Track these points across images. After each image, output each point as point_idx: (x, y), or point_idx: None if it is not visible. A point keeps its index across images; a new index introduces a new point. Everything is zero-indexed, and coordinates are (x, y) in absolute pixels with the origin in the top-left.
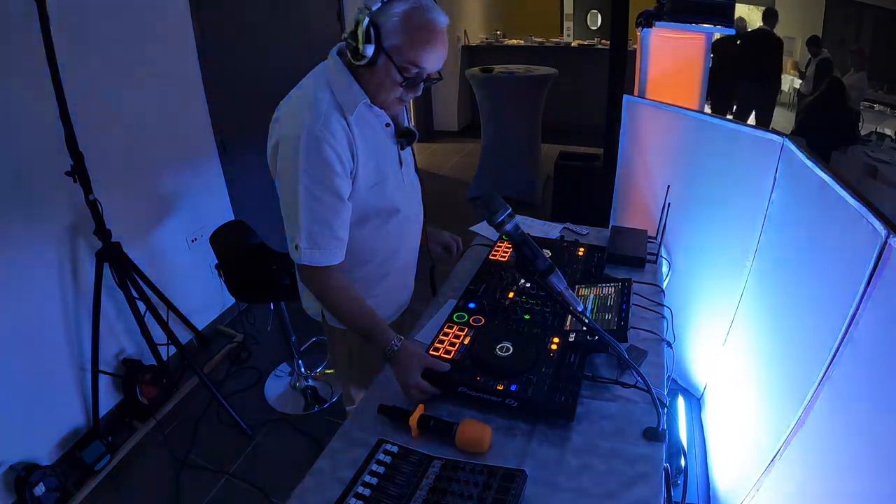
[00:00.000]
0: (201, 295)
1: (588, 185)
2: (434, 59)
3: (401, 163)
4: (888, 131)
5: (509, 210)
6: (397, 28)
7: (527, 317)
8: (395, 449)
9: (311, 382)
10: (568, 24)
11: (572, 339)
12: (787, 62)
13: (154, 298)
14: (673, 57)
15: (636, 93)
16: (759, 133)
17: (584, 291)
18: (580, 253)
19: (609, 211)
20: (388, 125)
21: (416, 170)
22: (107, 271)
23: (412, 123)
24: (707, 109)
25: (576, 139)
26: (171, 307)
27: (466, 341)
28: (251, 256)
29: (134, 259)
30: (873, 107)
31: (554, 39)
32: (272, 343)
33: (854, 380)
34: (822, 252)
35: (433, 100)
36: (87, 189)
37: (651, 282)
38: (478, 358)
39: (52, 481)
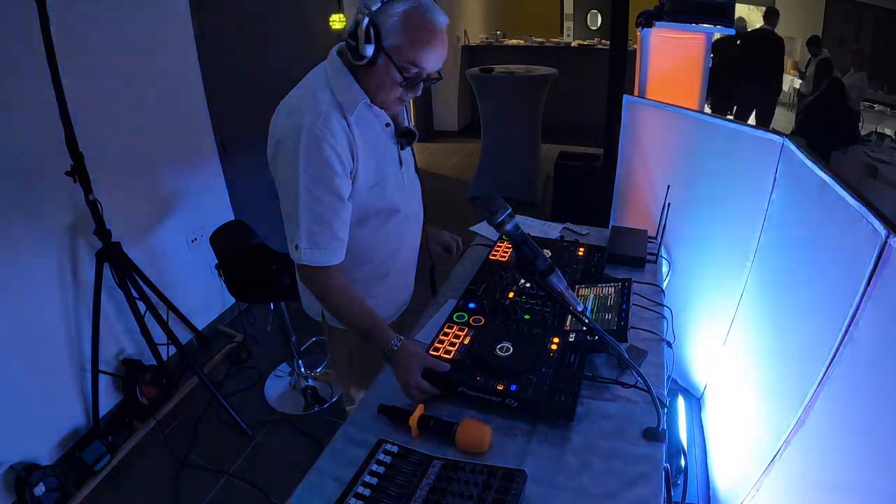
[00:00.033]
0: (201, 295)
1: (588, 185)
2: (434, 59)
3: (401, 163)
4: (888, 131)
5: (509, 210)
6: (397, 28)
7: (527, 317)
8: (395, 449)
9: (311, 382)
10: (568, 24)
11: (572, 339)
12: (787, 62)
13: (154, 298)
14: (673, 57)
15: (636, 93)
16: (759, 133)
17: (584, 291)
18: (580, 253)
19: (609, 211)
20: (388, 125)
21: (416, 170)
22: (107, 271)
23: (412, 123)
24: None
25: (576, 139)
26: (171, 307)
27: (466, 341)
28: (251, 256)
29: (134, 259)
30: (873, 107)
31: (554, 39)
32: (272, 343)
33: (854, 380)
34: (822, 252)
35: (433, 100)
36: (87, 189)
37: (651, 282)
38: (478, 358)
39: (52, 481)
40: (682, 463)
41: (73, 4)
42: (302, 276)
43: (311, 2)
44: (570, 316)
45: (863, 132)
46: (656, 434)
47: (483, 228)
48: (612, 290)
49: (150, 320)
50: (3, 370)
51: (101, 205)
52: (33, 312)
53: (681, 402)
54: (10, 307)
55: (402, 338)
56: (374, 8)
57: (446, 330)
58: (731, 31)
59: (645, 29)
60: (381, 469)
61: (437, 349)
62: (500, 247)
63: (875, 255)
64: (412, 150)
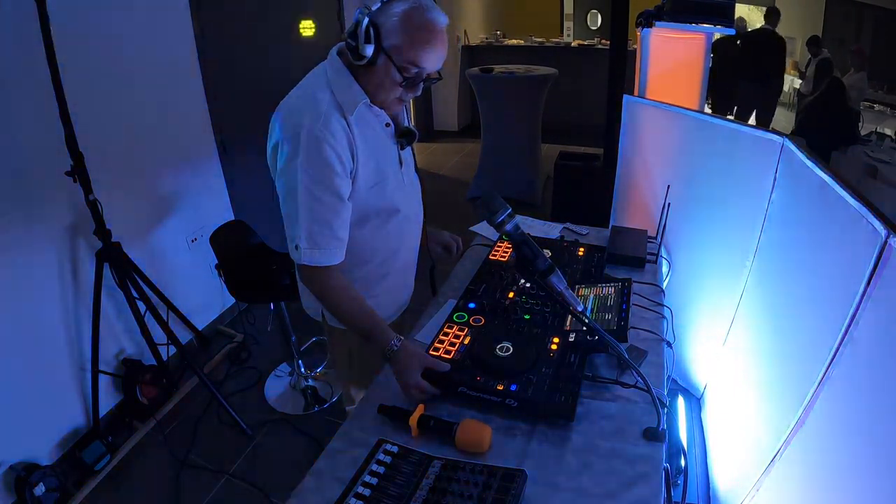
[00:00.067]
0: (201, 295)
1: (588, 185)
2: (434, 59)
3: (401, 163)
4: (888, 131)
5: (509, 210)
6: (397, 28)
7: (527, 317)
8: (395, 449)
9: (311, 382)
10: (568, 24)
11: (572, 339)
12: (788, 62)
13: (154, 298)
14: (673, 57)
15: (636, 93)
16: (759, 133)
17: (584, 291)
18: (580, 253)
19: (609, 211)
20: (388, 125)
21: (416, 170)
22: (107, 271)
23: (412, 123)
24: (707, 109)
25: (576, 139)
26: (171, 307)
27: (466, 341)
28: (251, 256)
29: (134, 259)
30: (873, 107)
31: (554, 39)
32: (272, 343)
33: (854, 380)
34: (822, 252)
35: (433, 100)
36: (87, 189)
37: (651, 282)
38: (478, 358)
39: (52, 481)
40: (682, 463)
41: (73, 4)
42: (302, 276)
43: (311, 2)
44: (570, 316)
45: (863, 132)
46: (656, 434)
47: (483, 228)
48: (612, 290)
49: (150, 320)
50: (3, 370)
51: (101, 205)
52: (33, 312)
53: (681, 402)
54: (10, 307)
55: (402, 338)
56: (374, 8)
57: (446, 330)
58: (731, 31)
59: (645, 29)
60: (381, 469)
61: (437, 349)
62: (500, 247)
63: (875, 255)
64: (412, 150)
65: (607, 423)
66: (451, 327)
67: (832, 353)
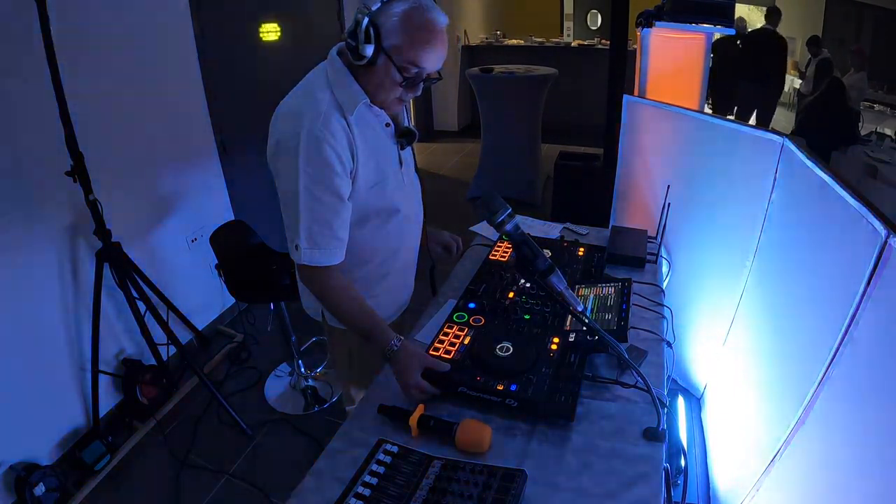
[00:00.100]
0: (201, 295)
1: (588, 185)
2: (434, 59)
3: (401, 163)
4: (888, 131)
5: (509, 210)
6: (397, 28)
7: (527, 317)
8: (395, 449)
9: (311, 382)
10: (568, 24)
11: (572, 339)
12: (788, 62)
13: (154, 298)
14: (673, 57)
15: (636, 93)
16: (759, 133)
17: (584, 291)
18: (580, 253)
19: (609, 211)
20: (388, 125)
21: (416, 170)
22: (107, 271)
23: (412, 123)
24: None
25: (576, 139)
26: (171, 307)
27: (466, 341)
28: (251, 256)
29: (134, 259)
30: (873, 107)
31: (554, 39)
32: (272, 343)
33: (854, 380)
34: (822, 252)
35: (433, 100)
36: (87, 189)
37: (651, 282)
38: (478, 358)
39: (52, 481)
40: (682, 463)
41: (73, 4)
42: (302, 276)
43: (311, 2)
44: (570, 316)
45: (863, 132)
46: (656, 434)
47: (483, 228)
48: (612, 290)
49: (150, 320)
50: (3, 370)
51: (101, 205)
52: (33, 312)
53: (681, 402)
54: (10, 307)
55: (402, 338)
56: (373, 8)
57: (446, 330)
58: (731, 31)
59: (645, 29)
60: (381, 469)
61: (437, 349)
62: (500, 247)
63: (875, 255)
64: (412, 150)
65: (607, 423)
66: (451, 327)
67: (832, 353)
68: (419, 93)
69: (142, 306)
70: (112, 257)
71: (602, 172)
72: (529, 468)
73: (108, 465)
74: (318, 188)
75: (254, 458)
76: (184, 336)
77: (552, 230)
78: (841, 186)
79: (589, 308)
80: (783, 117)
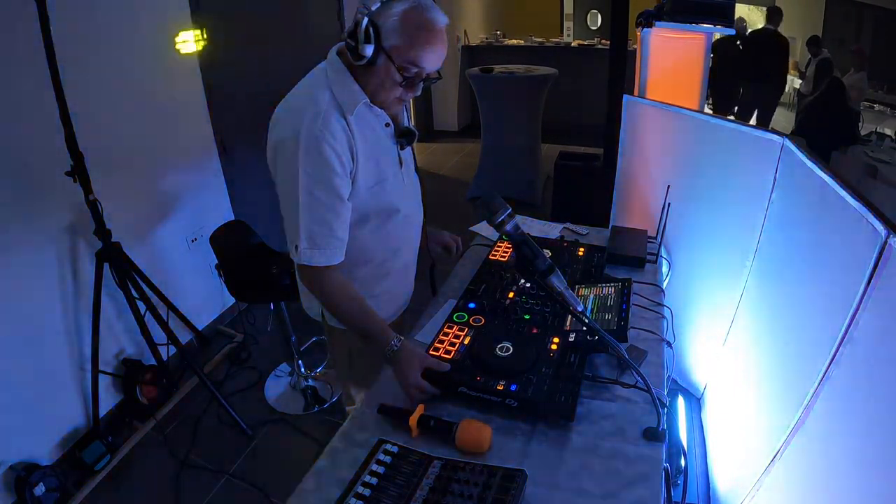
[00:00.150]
0: (201, 295)
1: (588, 185)
2: (433, 59)
3: (401, 163)
4: (888, 131)
5: (509, 210)
6: (397, 28)
7: (527, 317)
8: (395, 449)
9: (311, 382)
10: (568, 24)
11: (572, 339)
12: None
13: (154, 298)
14: (673, 57)
15: (636, 93)
16: (759, 133)
17: (584, 291)
18: (580, 253)
19: (609, 211)
20: (387, 125)
21: (416, 170)
22: (107, 271)
23: (412, 123)
24: (707, 109)
25: (576, 139)
26: (171, 307)
27: (466, 341)
28: (251, 256)
29: (134, 259)
30: (873, 107)
31: (554, 39)
32: (272, 343)
33: (854, 380)
34: (822, 252)
35: (433, 100)
36: (87, 189)
37: (651, 282)
38: (478, 358)
39: (52, 481)
40: (682, 463)
41: (73, 4)
42: (302, 276)
43: (311, 2)
44: (570, 316)
45: (863, 132)
46: (656, 434)
47: (483, 228)
48: (612, 290)
49: (150, 320)
50: (3, 370)
51: (101, 205)
52: (33, 312)
53: (681, 402)
54: (10, 307)
55: (402, 338)
56: (373, 8)
57: (446, 330)
58: (731, 32)
59: (645, 29)
60: (381, 469)
61: (437, 349)
62: (500, 247)
63: (875, 255)
64: (412, 150)
65: (607, 423)
66: (451, 327)
67: (832, 353)
68: (419, 93)
69: (142, 306)
70: (112, 257)
71: (602, 172)
72: (529, 468)
73: (108, 465)
74: (317, 188)
75: (254, 458)
76: (184, 336)
77: (552, 230)
78: (841, 186)
79: (589, 308)
80: (783, 117)
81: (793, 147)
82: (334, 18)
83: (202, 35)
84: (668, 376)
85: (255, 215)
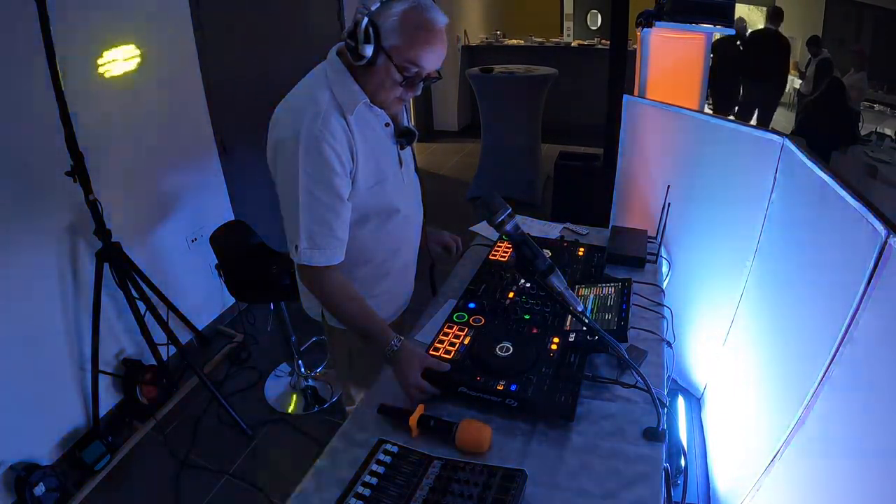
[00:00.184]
0: (201, 295)
1: (588, 185)
2: (433, 59)
3: (401, 162)
4: (888, 131)
5: (509, 210)
6: (396, 28)
7: (527, 317)
8: (395, 449)
9: (311, 382)
10: (568, 24)
11: (572, 339)
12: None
13: (154, 298)
14: (673, 57)
15: (636, 93)
16: (759, 133)
17: (584, 291)
18: (580, 253)
19: (609, 211)
20: (387, 125)
21: (416, 170)
22: (107, 271)
23: (412, 123)
24: (707, 109)
25: (576, 139)
26: (171, 307)
27: (466, 341)
28: (251, 256)
29: (134, 259)
30: (873, 107)
31: (554, 39)
32: (272, 343)
33: (854, 380)
34: (822, 252)
35: (433, 100)
36: (87, 189)
37: (651, 282)
38: (478, 358)
39: (52, 481)
40: (682, 463)
41: (73, 4)
42: (302, 276)
43: (311, 2)
44: (570, 316)
45: (863, 132)
46: (656, 434)
47: (483, 228)
48: (612, 290)
49: (150, 320)
50: (4, 370)
51: (101, 205)
52: (33, 312)
53: (681, 402)
54: (10, 307)
55: (402, 338)
56: (373, 8)
57: (446, 330)
58: (731, 32)
59: (645, 29)
60: (381, 469)
61: (437, 349)
62: (500, 247)
63: (875, 255)
64: (412, 149)
65: (607, 423)
66: (451, 327)
67: (832, 353)
68: (419, 92)
69: (142, 306)
70: (112, 257)
71: (602, 172)
72: (529, 468)
73: (108, 465)
74: (317, 188)
75: (254, 458)
76: (184, 336)
77: (552, 230)
78: (841, 186)
79: (589, 308)
80: (783, 117)
81: (793, 147)
82: (334, 18)
83: (202, 35)
84: (668, 376)
85: (255, 215)
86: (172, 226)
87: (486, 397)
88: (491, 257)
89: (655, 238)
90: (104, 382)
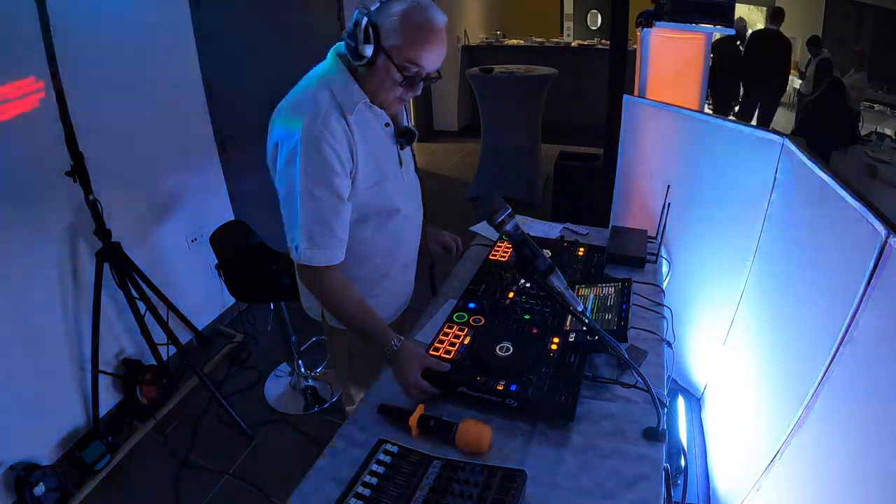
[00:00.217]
0: (201, 295)
1: (588, 185)
2: (433, 58)
3: (400, 162)
4: (888, 131)
5: (509, 210)
6: (396, 28)
7: (527, 317)
8: (395, 449)
9: (311, 382)
10: (568, 24)
11: (572, 339)
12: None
13: (154, 298)
14: (673, 57)
15: (636, 93)
16: (759, 133)
17: (584, 291)
18: (580, 253)
19: (609, 211)
20: (387, 125)
21: (416, 169)
22: (107, 271)
23: (412, 123)
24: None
25: (576, 139)
26: (171, 307)
27: (466, 341)
28: (251, 256)
29: (134, 259)
30: (873, 107)
31: (554, 39)
32: (272, 343)
33: (854, 380)
34: (822, 252)
35: (433, 100)
36: (87, 189)
37: (651, 282)
38: (478, 358)
39: (52, 481)
40: (682, 463)
41: (73, 4)
42: (302, 276)
43: (311, 2)
44: (570, 316)
45: (863, 132)
46: (656, 434)
47: (483, 228)
48: (612, 290)
49: (150, 320)
50: (3, 370)
51: (101, 205)
52: (33, 312)
53: (681, 402)
54: (10, 307)
55: (402, 338)
56: (372, 8)
57: (446, 330)
58: (731, 32)
59: (645, 29)
60: (381, 469)
61: (437, 349)
62: (500, 247)
63: (875, 255)
64: (412, 149)
65: (607, 423)
66: (451, 327)
67: (832, 353)
68: (419, 92)
69: (142, 306)
70: (112, 257)
71: (602, 172)
72: (529, 468)
73: (108, 465)
74: (317, 188)
75: (254, 458)
76: (184, 336)
77: (552, 230)
78: (841, 186)
79: (589, 308)
80: (783, 117)
81: (793, 147)
82: (334, 18)
83: (202, 35)
84: (668, 376)
85: (255, 215)
86: (172, 226)
87: (486, 397)
88: (491, 257)
89: (655, 238)
90: (104, 382)
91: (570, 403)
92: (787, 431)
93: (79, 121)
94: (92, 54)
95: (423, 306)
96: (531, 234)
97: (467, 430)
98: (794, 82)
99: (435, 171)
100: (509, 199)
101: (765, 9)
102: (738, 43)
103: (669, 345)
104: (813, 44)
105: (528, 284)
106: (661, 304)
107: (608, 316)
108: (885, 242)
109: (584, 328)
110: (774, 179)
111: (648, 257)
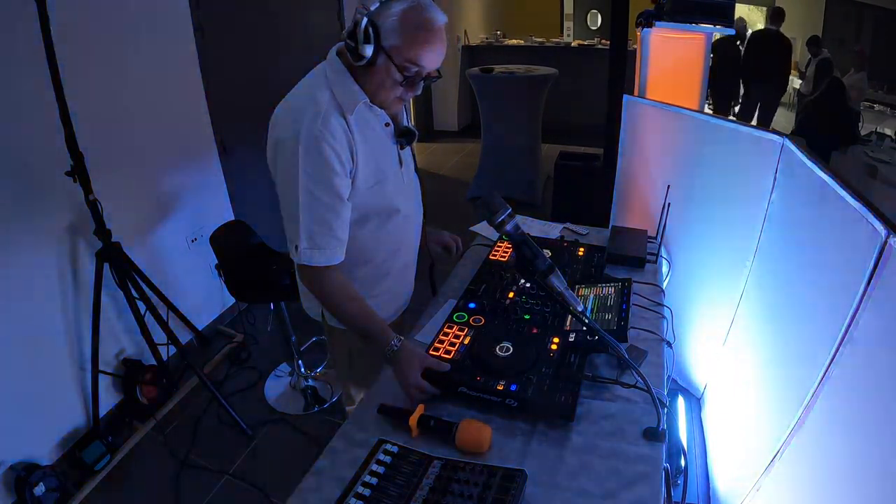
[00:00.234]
0: (201, 295)
1: (588, 185)
2: (433, 58)
3: (401, 162)
4: (888, 131)
5: (509, 210)
6: (396, 27)
7: (527, 317)
8: (395, 449)
9: (311, 382)
10: (568, 24)
11: (572, 339)
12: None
13: (154, 298)
14: (673, 57)
15: (636, 93)
16: (759, 133)
17: (584, 291)
18: (580, 253)
19: (609, 211)
20: (387, 125)
21: (416, 170)
22: (107, 271)
23: (412, 123)
24: (707, 109)
25: (576, 139)
26: (171, 307)
27: (466, 341)
28: (251, 256)
29: (134, 259)
30: (873, 107)
31: (554, 39)
32: (272, 343)
33: (854, 380)
34: (822, 252)
35: (433, 100)
36: (87, 189)
37: (651, 282)
38: (478, 358)
39: (52, 481)
40: (682, 463)
41: (72, 4)
42: (302, 276)
43: (311, 2)
44: (570, 316)
45: (863, 132)
46: (656, 434)
47: (483, 228)
48: (612, 290)
49: (150, 320)
50: (3, 370)
51: (101, 205)
52: (33, 312)
53: (681, 402)
54: (10, 307)
55: (402, 338)
56: (372, 8)
57: (446, 330)
58: (731, 32)
59: (645, 29)
60: (381, 469)
61: (437, 349)
62: (500, 247)
63: (875, 255)
64: (412, 149)
65: (607, 423)
66: (451, 327)
67: (832, 353)
68: (419, 92)
69: (142, 306)
70: (112, 257)
71: (602, 172)
72: (529, 468)
73: (108, 465)
74: (317, 188)
75: (254, 458)
76: (184, 336)
77: (552, 230)
78: (841, 186)
79: (589, 308)
80: (783, 117)
81: (793, 147)
82: (334, 18)
83: (202, 35)
84: (668, 376)
85: (255, 215)
86: (172, 226)
87: (486, 397)
88: (491, 257)
89: (655, 238)
90: (104, 382)
91: (570, 403)
92: (787, 431)
93: (79, 121)
94: (92, 54)
95: (423, 306)
96: (531, 234)
97: (467, 430)
98: (794, 82)
99: (435, 171)
100: (509, 199)
101: (765, 9)
102: (738, 43)
103: (669, 345)
104: (813, 44)
105: (528, 284)
106: (661, 304)
107: (608, 316)
108: (885, 242)
109: (584, 328)
110: (774, 179)
111: (648, 257)
